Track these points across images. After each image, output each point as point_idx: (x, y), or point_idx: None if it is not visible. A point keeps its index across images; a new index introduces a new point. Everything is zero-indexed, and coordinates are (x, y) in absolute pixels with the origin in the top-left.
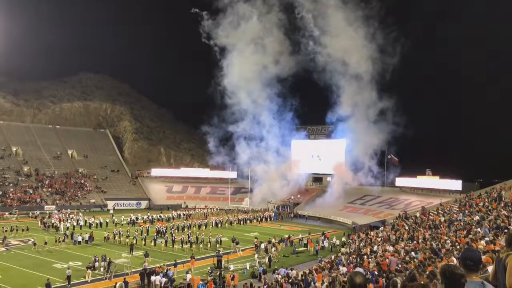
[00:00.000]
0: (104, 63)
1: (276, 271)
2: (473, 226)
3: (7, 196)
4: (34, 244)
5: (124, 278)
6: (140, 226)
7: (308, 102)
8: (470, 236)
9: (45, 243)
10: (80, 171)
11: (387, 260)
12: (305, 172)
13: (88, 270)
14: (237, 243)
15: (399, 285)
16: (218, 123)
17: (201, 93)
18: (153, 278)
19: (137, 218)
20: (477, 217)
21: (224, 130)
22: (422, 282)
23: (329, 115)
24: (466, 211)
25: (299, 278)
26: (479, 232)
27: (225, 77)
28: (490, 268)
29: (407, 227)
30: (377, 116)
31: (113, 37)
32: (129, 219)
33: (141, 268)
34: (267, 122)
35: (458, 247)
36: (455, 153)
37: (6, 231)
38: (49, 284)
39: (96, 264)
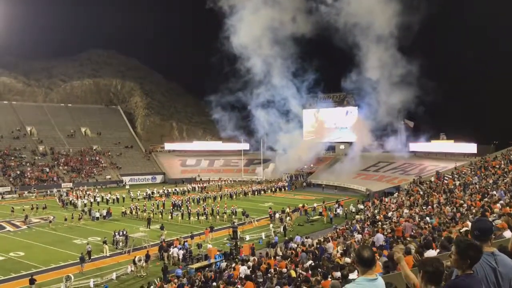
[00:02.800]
0: (112, 39)
1: (292, 240)
2: (489, 189)
3: (25, 175)
4: (50, 221)
5: (147, 251)
6: (156, 200)
7: (323, 68)
8: (486, 199)
9: (65, 219)
10: (94, 148)
11: (401, 226)
12: (319, 141)
13: (105, 244)
14: (246, 216)
15: (413, 251)
16: (229, 94)
17: (210, 64)
18: (171, 250)
19: (152, 193)
20: (492, 180)
21: (236, 100)
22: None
23: (342, 82)
24: (482, 174)
25: (314, 246)
26: (495, 195)
27: (235, 41)
28: (507, 234)
29: (421, 192)
30: (392, 80)
31: (118, 12)
32: (145, 194)
33: (159, 241)
34: (280, 90)
35: (474, 210)
36: (469, 115)
37: (31, 209)
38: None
39: (115, 238)
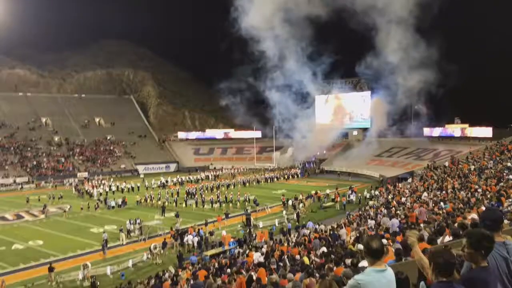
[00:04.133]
0: (123, 29)
1: (305, 226)
2: (505, 174)
3: (42, 166)
4: (64, 211)
5: (164, 239)
6: (171, 188)
7: (338, 52)
8: (501, 184)
9: (81, 208)
10: (108, 138)
11: (415, 211)
12: (335, 127)
13: (121, 232)
14: (257, 205)
15: (426, 237)
16: (241, 81)
17: (222, 51)
18: (186, 238)
19: (167, 181)
20: (508, 164)
21: (248, 87)
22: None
23: (357, 66)
24: (497, 158)
25: (328, 232)
26: (511, 180)
27: (247, 23)
28: None
29: (435, 177)
30: (408, 63)
31: (129, 2)
32: (159, 183)
33: (174, 229)
34: (294, 75)
35: (489, 196)
36: (484, 99)
37: (49, 198)
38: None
39: (131, 227)
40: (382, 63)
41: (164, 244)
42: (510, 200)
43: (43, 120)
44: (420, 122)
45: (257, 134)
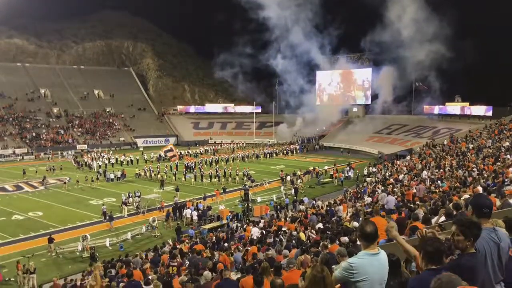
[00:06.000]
0: (122, 0)
1: (302, 202)
2: (502, 153)
3: (41, 137)
4: (64, 182)
5: (168, 210)
6: (170, 162)
7: (342, 25)
8: (498, 163)
9: (77, 181)
10: (107, 110)
11: (412, 189)
12: (337, 103)
13: (123, 205)
14: (252, 181)
15: (421, 216)
16: (242, 54)
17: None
18: (184, 211)
19: (166, 154)
20: (507, 143)
21: (249, 61)
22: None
23: (362, 42)
24: (496, 137)
25: (324, 208)
26: (508, 159)
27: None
28: None
29: (434, 155)
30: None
31: None
32: (158, 156)
33: (173, 202)
34: (296, 49)
35: (485, 175)
36: (485, 77)
37: (47, 170)
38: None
39: (130, 199)
40: (386, 38)
41: (168, 216)
42: (506, 180)
43: (42, 91)
44: (421, 100)
45: (257, 109)
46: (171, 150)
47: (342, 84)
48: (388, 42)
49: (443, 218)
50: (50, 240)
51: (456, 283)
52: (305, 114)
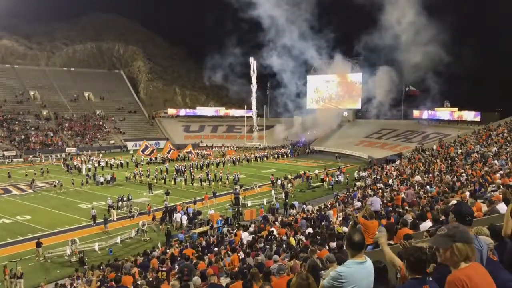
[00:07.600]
0: (112, 2)
1: (292, 206)
2: (490, 158)
3: (30, 140)
4: (54, 186)
5: (163, 213)
6: (160, 166)
7: (336, 29)
8: (486, 168)
9: (72, 183)
10: (97, 113)
11: (400, 194)
12: (324, 107)
13: (111, 209)
14: (241, 186)
15: (409, 222)
16: (234, 57)
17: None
18: (174, 215)
19: (156, 158)
20: (494, 149)
21: (240, 64)
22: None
23: (356, 46)
24: (484, 143)
25: (315, 213)
26: (496, 164)
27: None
28: (500, 207)
29: (423, 160)
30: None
31: None
32: (148, 159)
33: (163, 206)
34: (289, 52)
35: (473, 180)
36: (474, 82)
37: (35, 174)
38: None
39: (120, 203)
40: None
41: (162, 219)
42: (493, 185)
43: (31, 93)
44: (410, 105)
45: (249, 112)
46: (170, 149)
47: (333, 89)
48: (379, 47)
49: (430, 224)
50: (38, 244)
51: (471, 235)
52: (301, 117)
